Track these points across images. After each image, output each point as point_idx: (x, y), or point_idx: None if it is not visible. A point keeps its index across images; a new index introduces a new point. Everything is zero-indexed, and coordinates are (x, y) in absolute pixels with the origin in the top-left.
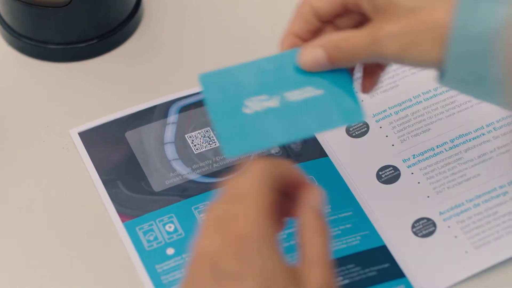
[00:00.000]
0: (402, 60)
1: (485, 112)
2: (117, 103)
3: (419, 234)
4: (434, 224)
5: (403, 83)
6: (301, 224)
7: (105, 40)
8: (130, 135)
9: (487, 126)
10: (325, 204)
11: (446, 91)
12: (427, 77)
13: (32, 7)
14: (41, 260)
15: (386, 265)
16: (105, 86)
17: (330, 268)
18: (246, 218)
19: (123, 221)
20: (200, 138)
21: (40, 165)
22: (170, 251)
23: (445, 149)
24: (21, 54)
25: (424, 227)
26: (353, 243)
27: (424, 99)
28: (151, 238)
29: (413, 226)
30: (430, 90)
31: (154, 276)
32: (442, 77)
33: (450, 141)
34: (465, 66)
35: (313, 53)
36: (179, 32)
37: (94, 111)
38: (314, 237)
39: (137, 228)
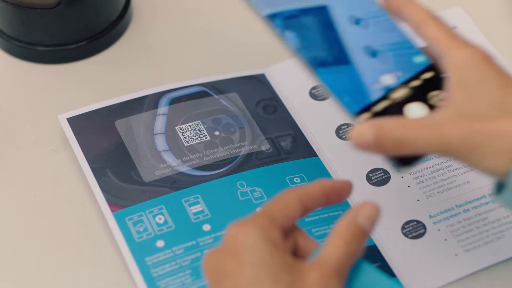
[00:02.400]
0: (465, 159)
1: None
2: (107, 98)
3: (409, 236)
4: (424, 227)
5: None
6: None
7: (94, 42)
8: (119, 123)
9: None
10: (372, 219)
11: None
12: None
13: (21, 9)
14: (29, 250)
15: (376, 265)
16: (95, 88)
17: (334, 275)
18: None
19: (112, 210)
20: (190, 131)
21: (29, 165)
22: (160, 243)
23: (435, 156)
24: (10, 56)
25: (414, 229)
26: None
27: None
28: (141, 229)
29: (403, 228)
30: None
31: (143, 269)
32: (500, 193)
33: None
34: None
35: (361, 132)
36: (168, 33)
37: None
38: (333, 239)
39: (126, 219)
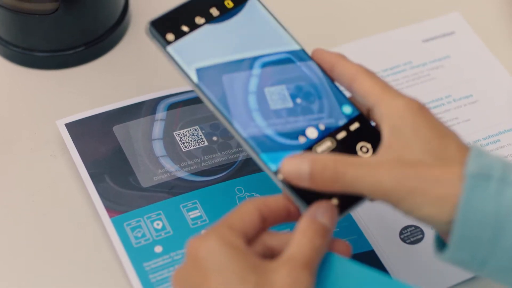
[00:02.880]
0: (399, 205)
1: (471, 131)
2: (105, 104)
3: (407, 241)
4: (422, 232)
5: None
6: (294, 229)
7: (92, 47)
8: (118, 129)
9: (474, 142)
10: (331, 216)
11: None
12: None
13: (19, 15)
14: (26, 255)
15: None
16: (93, 93)
17: (302, 270)
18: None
19: (110, 216)
20: (188, 136)
21: (27, 171)
22: (158, 249)
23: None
24: (8, 62)
25: (412, 234)
26: None
27: None
28: (139, 235)
29: (401, 233)
30: None
31: (142, 274)
32: (441, 252)
33: None
34: (467, 248)
35: (296, 165)
36: None
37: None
38: (297, 238)
39: (124, 224)
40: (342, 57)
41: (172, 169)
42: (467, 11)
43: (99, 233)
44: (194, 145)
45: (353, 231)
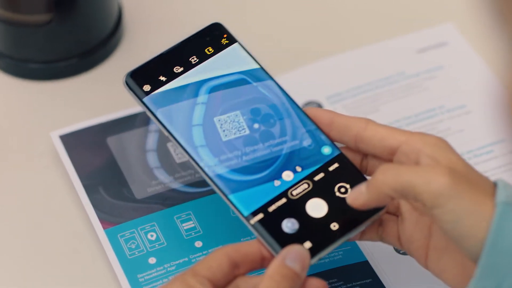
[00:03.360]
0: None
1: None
2: (99, 115)
3: (401, 251)
4: None
5: None
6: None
7: (86, 59)
8: (111, 140)
9: (468, 152)
10: (301, 261)
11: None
12: None
13: (12, 26)
14: (20, 267)
15: (368, 280)
16: (87, 105)
17: None
18: None
19: (104, 227)
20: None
21: (21, 182)
22: (152, 260)
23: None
24: (2, 73)
25: None
26: (336, 257)
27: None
28: (133, 246)
29: None
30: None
31: (136, 285)
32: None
33: None
34: (494, 276)
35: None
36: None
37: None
38: (265, 282)
39: (118, 236)
40: (338, 113)
41: (166, 180)
42: (459, 21)
43: (93, 244)
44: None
45: (346, 242)
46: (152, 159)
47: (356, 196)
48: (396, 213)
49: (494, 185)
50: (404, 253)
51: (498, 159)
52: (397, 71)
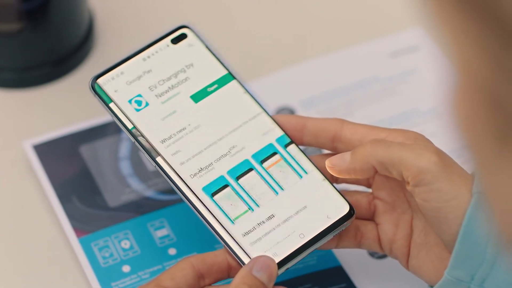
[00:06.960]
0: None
1: None
2: (72, 123)
3: (375, 256)
4: None
5: None
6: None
7: (58, 67)
8: (85, 149)
9: None
10: (268, 271)
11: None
12: None
13: None
14: None
15: (342, 285)
16: (60, 113)
17: None
18: None
19: (78, 236)
20: None
21: None
22: (126, 268)
23: None
24: None
25: None
26: (310, 263)
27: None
28: (107, 254)
29: None
30: None
31: None
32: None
33: None
34: (465, 266)
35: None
36: None
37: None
38: None
39: (92, 244)
40: (310, 117)
41: (139, 188)
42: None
43: (67, 253)
44: None
45: None
46: (125, 167)
47: (337, 162)
48: (371, 218)
49: (473, 176)
50: (379, 257)
51: (469, 162)
52: (370, 75)
